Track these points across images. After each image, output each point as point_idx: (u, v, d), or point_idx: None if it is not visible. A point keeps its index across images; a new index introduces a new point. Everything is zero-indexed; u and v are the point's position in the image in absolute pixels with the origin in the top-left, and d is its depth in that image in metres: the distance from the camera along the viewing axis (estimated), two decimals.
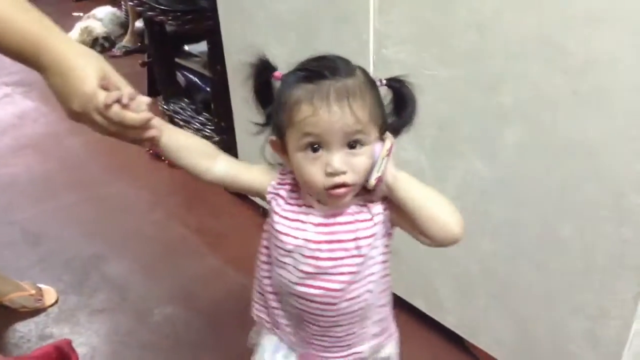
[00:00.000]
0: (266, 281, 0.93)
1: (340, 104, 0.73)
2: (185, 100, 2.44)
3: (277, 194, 0.86)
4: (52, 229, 2.13)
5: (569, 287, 1.14)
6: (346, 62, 0.78)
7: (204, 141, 0.91)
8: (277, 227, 0.85)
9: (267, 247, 0.91)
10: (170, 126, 0.88)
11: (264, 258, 0.92)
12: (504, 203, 1.19)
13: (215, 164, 0.88)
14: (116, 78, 0.80)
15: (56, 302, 1.77)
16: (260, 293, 0.97)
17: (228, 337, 1.60)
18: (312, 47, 1.43)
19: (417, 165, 1.32)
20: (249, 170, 0.90)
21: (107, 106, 0.76)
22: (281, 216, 0.85)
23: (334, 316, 0.88)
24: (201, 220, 2.15)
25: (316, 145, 0.76)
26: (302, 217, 0.84)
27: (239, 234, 2.06)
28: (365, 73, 0.80)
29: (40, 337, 1.64)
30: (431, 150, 1.29)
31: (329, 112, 0.73)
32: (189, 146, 0.88)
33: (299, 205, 0.85)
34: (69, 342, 0.91)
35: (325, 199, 0.81)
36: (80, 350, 1.59)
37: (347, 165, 0.76)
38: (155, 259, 1.96)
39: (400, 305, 1.59)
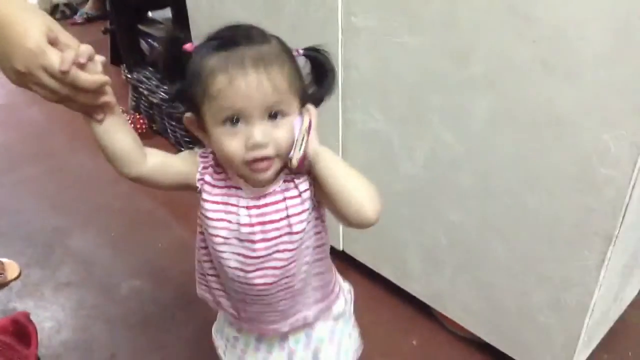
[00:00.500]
0: (206, 265, 0.91)
1: (256, 71, 0.70)
2: (150, 69, 2.38)
3: (203, 180, 0.83)
4: (13, 202, 2.08)
5: (535, 256, 1.16)
6: (261, 31, 0.75)
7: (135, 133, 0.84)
8: (209, 214, 0.82)
9: (202, 233, 0.87)
10: (116, 103, 0.79)
11: (202, 244, 0.89)
12: (472, 173, 1.20)
13: (146, 156, 0.82)
14: (64, 35, 0.70)
15: (19, 276, 1.73)
16: (201, 274, 0.95)
17: (197, 309, 1.58)
18: (279, 14, 1.40)
19: (385, 135, 1.32)
20: (174, 158, 0.85)
21: (64, 72, 0.67)
22: (212, 202, 0.82)
23: (274, 293, 0.87)
24: (167, 193, 2.11)
25: (235, 118, 0.73)
26: (232, 200, 0.82)
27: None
28: (281, 42, 0.76)
29: (3, 311, 1.60)
30: (399, 120, 1.28)
31: (246, 80, 0.70)
32: (131, 132, 0.81)
33: (228, 187, 0.82)
34: (26, 314, 0.89)
35: (248, 174, 0.77)
36: (46, 324, 1.57)
37: (269, 138, 0.73)
38: (122, 231, 1.92)
39: (369, 275, 1.60)
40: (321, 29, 1.32)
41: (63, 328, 1.57)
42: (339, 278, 1.04)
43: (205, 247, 0.88)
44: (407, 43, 1.17)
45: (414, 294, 1.51)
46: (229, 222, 0.81)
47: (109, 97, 0.74)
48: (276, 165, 0.77)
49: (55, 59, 0.66)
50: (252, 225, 0.81)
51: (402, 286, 1.53)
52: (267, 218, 0.81)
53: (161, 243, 1.86)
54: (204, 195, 0.83)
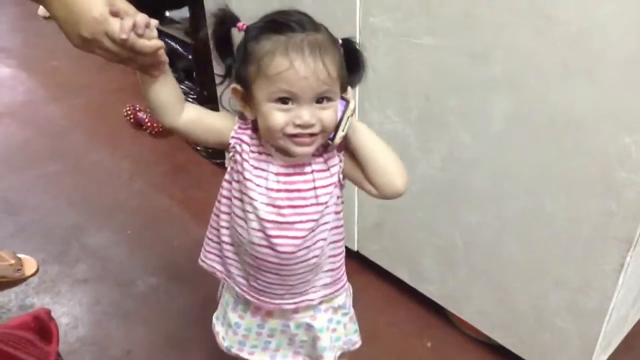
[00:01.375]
0: (224, 231, 0.95)
1: (314, 58, 0.75)
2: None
3: (240, 139, 0.88)
4: (32, 199, 2.10)
5: (552, 260, 1.15)
6: (311, 18, 0.80)
7: (179, 87, 0.91)
8: (246, 174, 0.86)
9: (227, 198, 0.92)
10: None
11: (224, 208, 0.93)
12: (489, 175, 1.19)
13: (185, 109, 0.88)
14: (124, 4, 0.78)
15: (36, 272, 1.74)
16: (216, 242, 0.98)
17: (212, 307, 1.59)
18: None
19: (402, 136, 1.31)
20: (211, 114, 0.91)
21: (122, 40, 0.74)
22: (246, 160, 0.87)
23: (290, 264, 0.91)
24: (184, 190, 2.13)
25: (288, 99, 0.77)
26: (263, 165, 0.86)
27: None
28: (328, 31, 0.81)
29: (21, 307, 1.62)
30: (417, 121, 1.28)
31: (304, 65, 0.75)
32: (176, 87, 0.87)
33: (260, 153, 0.87)
34: (47, 311, 0.90)
35: (288, 146, 0.81)
36: (62, 320, 1.58)
37: (315, 119, 0.78)
38: (138, 229, 1.94)
39: (383, 276, 1.60)
40: (339, 29, 1.29)
41: (79, 324, 1.58)
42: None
43: (228, 213, 0.93)
44: (425, 44, 1.16)
45: (428, 295, 1.50)
46: (258, 185, 0.86)
47: (163, 57, 0.81)
48: (318, 141, 0.82)
49: (116, 26, 0.74)
50: (279, 191, 0.86)
51: (416, 287, 1.53)
52: (294, 187, 0.86)
53: (177, 241, 1.87)
54: (243, 154, 0.87)
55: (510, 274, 1.25)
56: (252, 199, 0.86)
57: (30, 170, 2.26)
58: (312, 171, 0.87)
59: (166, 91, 0.85)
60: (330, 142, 0.84)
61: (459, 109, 1.17)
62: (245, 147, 0.87)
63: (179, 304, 1.63)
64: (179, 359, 1.47)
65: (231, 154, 0.89)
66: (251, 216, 0.88)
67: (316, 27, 0.79)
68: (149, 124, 2.42)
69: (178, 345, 1.50)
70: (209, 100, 2.07)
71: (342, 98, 0.82)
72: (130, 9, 0.78)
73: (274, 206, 0.86)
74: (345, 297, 1.05)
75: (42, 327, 0.84)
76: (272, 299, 0.97)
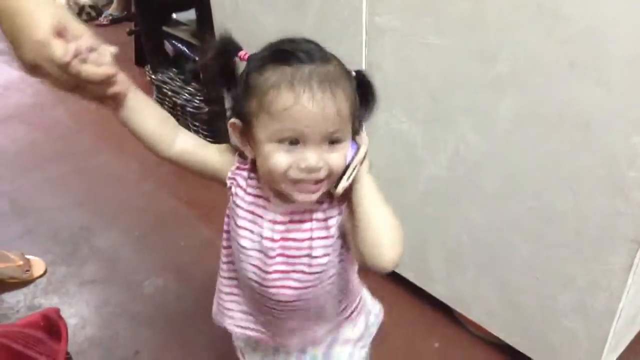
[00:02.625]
0: (225, 266, 0.90)
1: (323, 92, 0.67)
2: (174, 70, 2.40)
3: (236, 180, 0.81)
4: (40, 200, 2.11)
5: (560, 259, 1.14)
6: (321, 48, 0.72)
7: (166, 112, 0.84)
8: (238, 221, 0.81)
9: (227, 232, 0.86)
10: (136, 88, 0.78)
11: (225, 243, 0.88)
12: (496, 174, 1.19)
13: (177, 137, 0.82)
14: (75, 26, 0.70)
15: (45, 273, 1.75)
16: (217, 284, 0.95)
17: None
18: (303, 14, 1.40)
19: (409, 136, 1.31)
20: (208, 148, 0.84)
21: (66, 64, 0.67)
22: (241, 207, 0.81)
23: (288, 310, 0.85)
24: (192, 191, 2.14)
25: (294, 139, 0.69)
26: (259, 210, 0.80)
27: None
28: (340, 62, 0.72)
29: (29, 307, 1.63)
30: (424, 121, 1.27)
31: (313, 101, 0.66)
32: (156, 114, 0.81)
33: (256, 197, 0.80)
34: (57, 311, 0.90)
35: (290, 192, 0.73)
36: (70, 321, 1.59)
37: (322, 162, 0.70)
38: (146, 230, 1.94)
39: (390, 277, 1.60)
40: (345, 29, 1.32)
41: (88, 324, 1.59)
42: (368, 301, 1.02)
43: (228, 247, 0.88)
44: (431, 43, 1.16)
45: (436, 295, 1.50)
46: (251, 232, 0.80)
47: (120, 87, 0.74)
48: (323, 188, 0.73)
49: (59, 50, 0.67)
50: (273, 240, 0.79)
51: (424, 288, 1.52)
52: (290, 235, 0.79)
53: (184, 242, 1.88)
54: (236, 200, 0.81)
55: (517, 274, 1.24)
56: (242, 247, 0.81)
57: (38, 171, 2.28)
58: (312, 219, 0.79)
59: (141, 123, 0.78)
60: (333, 188, 0.74)
61: (466, 109, 1.17)
62: (239, 191, 0.80)
63: (187, 304, 1.64)
64: (187, 358, 1.47)
65: (228, 192, 0.83)
66: (243, 264, 0.83)
67: (326, 57, 0.70)
68: None
69: (186, 346, 1.51)
70: (215, 102, 2.08)
71: (354, 141, 0.74)
72: (83, 31, 0.71)
73: (268, 257, 0.80)
74: (363, 329, 0.99)
75: (51, 325, 0.85)
76: (274, 336, 0.93)
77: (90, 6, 3.87)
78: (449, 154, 1.25)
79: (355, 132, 0.74)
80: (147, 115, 0.79)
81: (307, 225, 0.79)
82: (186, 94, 2.28)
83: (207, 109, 2.13)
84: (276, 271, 0.81)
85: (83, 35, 0.70)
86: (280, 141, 0.69)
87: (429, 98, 1.23)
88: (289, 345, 0.94)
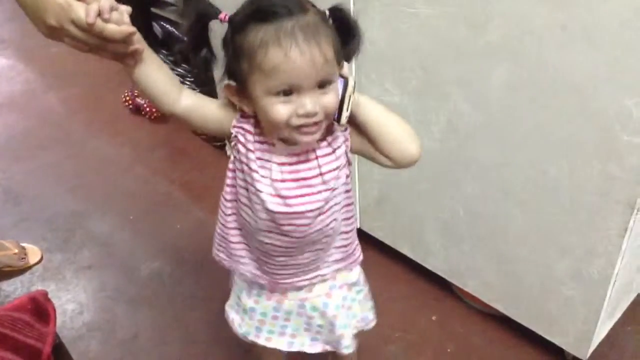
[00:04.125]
0: (229, 218, 0.93)
1: (308, 43, 0.71)
2: (163, 51, 2.37)
3: (242, 127, 0.84)
4: (34, 188, 2.10)
5: (556, 227, 1.14)
6: None
7: (171, 71, 0.87)
8: (251, 164, 0.83)
9: (232, 186, 0.90)
10: (147, 47, 0.81)
11: (228, 197, 0.91)
12: (490, 145, 1.17)
13: (182, 95, 0.85)
14: None
15: (40, 260, 1.75)
16: (220, 233, 0.97)
17: (217, 288, 1.59)
18: None
19: (401, 108, 1.29)
20: (211, 102, 0.87)
21: (90, 25, 0.71)
22: (250, 150, 0.84)
23: (301, 246, 0.90)
24: (185, 174, 2.12)
25: (288, 90, 0.74)
26: (266, 155, 0.83)
27: (223, 186, 2.04)
28: (316, 8, 0.76)
29: None
30: (415, 93, 1.26)
31: (300, 53, 0.70)
32: (166, 72, 0.84)
33: (262, 143, 0.84)
34: (44, 293, 0.90)
35: (293, 137, 0.78)
36: (68, 307, 1.59)
37: (319, 106, 0.75)
38: (141, 214, 1.94)
39: (387, 252, 1.60)
40: (332, 1, 1.29)
41: (85, 310, 1.59)
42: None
43: (233, 200, 0.91)
44: (421, 13, 1.14)
45: (432, 269, 1.50)
46: (263, 177, 0.83)
47: (138, 45, 0.77)
48: (322, 127, 0.79)
49: (81, 12, 0.71)
50: (284, 181, 0.83)
51: (420, 262, 1.52)
52: (300, 175, 0.83)
53: (179, 224, 1.87)
54: (247, 144, 0.83)
55: (514, 244, 1.24)
56: (258, 190, 0.84)
57: (30, 159, 2.26)
58: (317, 157, 0.83)
59: (152, 81, 0.82)
60: (336, 123, 0.81)
61: (458, 79, 1.16)
62: (249, 136, 0.84)
63: (183, 286, 1.64)
64: (185, 340, 1.48)
65: (233, 142, 0.86)
66: (258, 207, 0.85)
67: (303, 7, 0.74)
68: (147, 109, 2.41)
69: (184, 327, 1.51)
70: (206, 82, 2.05)
71: (340, 76, 0.79)
72: None
73: (281, 197, 0.83)
74: (359, 274, 1.04)
75: (39, 308, 0.84)
76: (285, 279, 0.95)
77: None
78: (442, 126, 1.24)
79: (339, 68, 0.78)
80: (158, 72, 0.82)
81: (313, 162, 0.83)
82: (177, 76, 2.25)
83: (198, 90, 2.10)
84: (294, 212, 0.84)
85: None
86: (276, 94, 0.74)
87: (420, 69, 1.22)
88: (298, 285, 0.97)
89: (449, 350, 1.40)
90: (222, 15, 0.76)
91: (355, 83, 0.80)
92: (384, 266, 1.61)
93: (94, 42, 0.73)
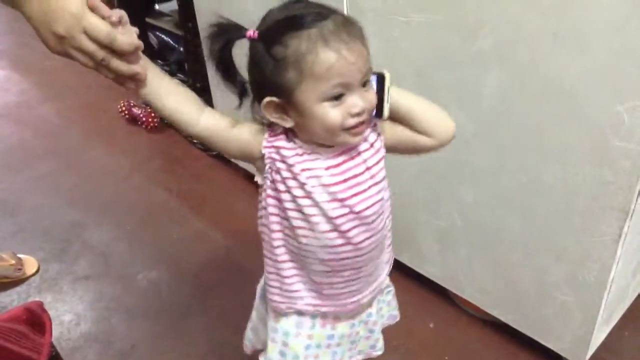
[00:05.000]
0: (278, 251, 0.89)
1: (354, 41, 0.71)
2: (159, 61, 2.38)
3: (276, 146, 0.81)
4: (31, 198, 2.10)
5: (551, 233, 1.14)
6: (317, 3, 0.75)
7: (189, 90, 0.83)
8: (302, 178, 0.80)
9: (275, 215, 0.85)
10: (156, 67, 0.80)
11: (275, 226, 0.86)
12: (485, 151, 1.18)
13: (203, 114, 0.81)
14: (101, 5, 0.73)
15: (37, 271, 1.74)
16: (272, 271, 0.92)
17: (214, 299, 1.59)
18: None
19: None
20: (235, 122, 0.83)
21: (114, 24, 0.70)
22: (295, 165, 0.81)
23: (367, 253, 0.87)
24: (182, 184, 2.12)
25: (340, 93, 0.73)
26: (310, 164, 0.81)
27: (220, 196, 2.04)
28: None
29: None
30: None
31: (350, 51, 0.70)
32: (178, 92, 0.81)
33: (300, 155, 0.81)
34: (40, 304, 0.90)
35: (345, 140, 0.77)
36: (65, 317, 1.59)
37: (366, 102, 0.75)
38: (137, 224, 1.93)
39: None
40: None
41: (82, 321, 1.58)
42: None
43: (280, 231, 0.87)
44: (413, 21, 1.15)
45: (429, 276, 1.50)
46: (314, 186, 0.81)
47: (139, 68, 0.76)
48: (368, 125, 0.80)
49: (95, 20, 0.70)
50: (337, 184, 0.81)
51: (417, 269, 1.52)
52: (349, 174, 0.82)
53: (176, 234, 1.87)
54: (288, 161, 0.81)
55: (509, 250, 1.24)
56: (316, 201, 0.81)
57: (27, 170, 2.26)
58: (359, 152, 0.83)
59: (164, 104, 0.79)
60: (378, 118, 0.82)
61: (451, 86, 1.16)
62: (287, 152, 0.81)
63: (180, 296, 1.63)
64: (182, 351, 1.47)
65: (267, 166, 0.82)
66: (317, 219, 0.82)
67: (331, 9, 0.74)
68: (144, 119, 2.41)
69: (181, 337, 1.50)
70: (202, 92, 2.06)
71: (374, 72, 0.79)
72: (107, 10, 0.73)
73: (338, 200, 0.81)
74: (386, 276, 1.02)
75: (34, 319, 0.84)
76: (349, 298, 0.92)
77: None
78: None
79: None
80: (166, 92, 0.79)
81: (358, 159, 0.82)
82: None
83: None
84: (355, 212, 0.83)
85: (108, 13, 0.73)
86: (329, 99, 0.73)
87: (413, 76, 1.22)
88: (362, 302, 0.94)
89: (446, 357, 1.40)
90: (250, 32, 0.74)
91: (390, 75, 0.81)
92: None
93: (101, 54, 0.72)
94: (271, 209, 0.85)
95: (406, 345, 1.43)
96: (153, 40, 2.42)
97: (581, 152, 1.01)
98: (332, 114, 0.73)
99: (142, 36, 2.39)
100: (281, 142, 0.81)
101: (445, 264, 1.43)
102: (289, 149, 0.81)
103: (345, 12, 1.25)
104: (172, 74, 2.28)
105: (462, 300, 1.46)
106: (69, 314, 1.60)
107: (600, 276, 1.09)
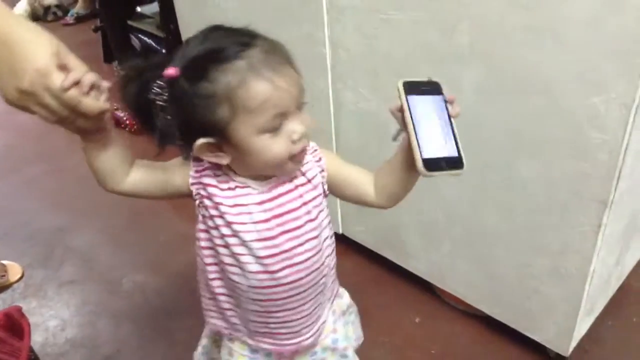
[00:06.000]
0: (216, 283, 0.85)
1: (283, 65, 0.68)
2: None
3: (201, 182, 0.77)
4: (14, 204, 2.08)
5: (532, 226, 1.15)
6: (240, 28, 0.71)
7: (128, 151, 0.80)
8: (229, 217, 0.76)
9: (209, 248, 0.82)
10: (112, 126, 0.76)
11: (209, 260, 0.83)
12: (465, 147, 1.18)
13: (130, 173, 0.79)
14: (73, 60, 0.69)
15: (22, 277, 1.73)
16: (210, 299, 0.89)
17: (199, 301, 1.58)
18: None
19: (378, 114, 1.31)
20: (158, 168, 0.80)
21: (65, 89, 0.65)
22: (222, 204, 0.76)
23: (302, 292, 0.82)
24: None
25: (280, 121, 0.69)
26: (240, 200, 0.76)
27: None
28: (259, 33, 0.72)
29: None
30: (391, 98, 1.26)
31: (282, 78, 0.67)
32: (120, 154, 0.78)
33: (232, 189, 0.76)
34: (18, 309, 0.89)
35: (291, 168, 0.75)
36: (51, 323, 1.58)
37: (305, 126, 0.71)
38: (122, 227, 1.93)
39: (369, 256, 1.60)
40: (306, 9, 1.30)
41: (68, 326, 1.57)
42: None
43: (215, 264, 0.83)
44: (392, 18, 1.15)
45: (414, 272, 1.51)
46: (243, 223, 0.76)
47: (107, 125, 0.74)
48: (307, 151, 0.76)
49: (60, 80, 0.65)
50: (267, 220, 0.77)
51: (402, 265, 1.53)
52: (284, 208, 0.77)
53: (161, 236, 1.86)
54: (214, 199, 0.76)
55: (492, 244, 1.25)
56: (243, 240, 0.76)
57: (11, 175, 2.25)
58: (296, 186, 0.78)
59: (105, 159, 0.76)
60: (423, 169, 0.68)
61: None
62: (213, 190, 0.76)
63: (166, 298, 1.63)
64: (169, 352, 1.46)
65: (197, 201, 0.79)
66: (246, 258, 0.78)
67: (253, 33, 0.69)
68: (127, 122, 2.39)
69: (167, 340, 1.50)
70: None
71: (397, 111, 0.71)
72: (80, 66, 0.69)
73: (267, 239, 0.77)
74: (347, 295, 0.99)
75: (13, 324, 0.83)
76: (290, 339, 0.87)
77: (56, 6, 3.80)
78: None
79: None
80: (114, 152, 0.77)
81: (294, 193, 0.78)
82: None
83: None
84: (283, 251, 0.78)
85: (81, 70, 0.68)
86: (267, 129, 0.69)
87: (394, 74, 1.22)
88: (303, 344, 0.89)
89: (433, 351, 1.41)
90: (170, 71, 0.67)
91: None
92: (367, 270, 1.61)
93: (64, 114, 0.68)
94: (203, 243, 0.82)
95: (392, 341, 1.43)
96: (135, 42, 2.41)
97: (559, 145, 1.02)
98: (276, 146, 0.70)
99: (125, 39, 2.37)
100: (208, 178, 0.77)
101: (430, 259, 1.43)
102: (217, 186, 0.76)
103: (324, 17, 1.27)
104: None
105: (447, 294, 1.47)
106: (54, 320, 1.59)
107: (581, 267, 1.10)
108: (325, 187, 0.81)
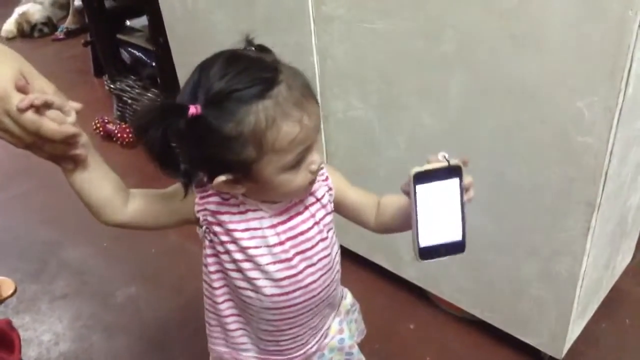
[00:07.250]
0: (223, 306, 0.84)
1: (308, 100, 0.67)
2: (132, 77, 2.37)
3: (208, 209, 0.76)
4: (6, 219, 2.07)
5: (522, 230, 1.16)
6: (258, 56, 0.68)
7: (119, 180, 0.78)
8: (243, 242, 0.75)
9: (219, 271, 0.81)
10: (95, 152, 0.74)
11: (217, 283, 0.82)
12: (453, 153, 1.18)
13: (129, 201, 0.76)
14: (41, 82, 0.66)
15: (14, 292, 1.71)
16: (215, 324, 0.88)
17: (193, 312, 1.58)
18: (251, 7, 1.39)
19: (366, 122, 1.32)
20: (160, 196, 0.78)
21: (21, 110, 0.62)
22: (234, 230, 0.75)
23: (313, 308, 0.83)
24: None
25: (304, 155, 0.69)
26: (253, 224, 0.76)
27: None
28: (277, 58, 0.69)
29: None
30: (379, 106, 1.28)
31: (308, 115, 0.66)
32: (110, 181, 0.75)
33: (243, 212, 0.75)
34: (8, 322, 0.89)
35: (299, 195, 0.76)
36: (44, 337, 1.57)
37: (321, 155, 0.74)
38: (114, 240, 1.92)
39: (363, 264, 1.61)
40: (293, 20, 1.31)
41: (61, 340, 1.56)
42: None
43: (225, 285, 0.82)
44: (378, 28, 1.17)
45: (408, 279, 1.51)
46: (257, 247, 0.76)
47: (80, 150, 0.69)
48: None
49: (16, 101, 0.62)
50: (282, 243, 0.76)
51: (396, 272, 1.53)
52: (297, 230, 0.78)
53: (154, 248, 1.86)
54: (226, 226, 0.76)
55: (483, 249, 1.25)
56: (258, 265, 0.76)
57: (1, 190, 2.23)
58: (305, 208, 0.78)
59: (94, 189, 0.73)
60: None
61: (418, 90, 1.18)
62: (223, 217, 0.75)
63: (159, 310, 1.62)
64: None
65: (204, 227, 0.77)
66: (261, 282, 0.77)
67: (274, 65, 0.66)
68: (118, 135, 2.40)
69: (161, 352, 1.50)
70: None
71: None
72: (48, 87, 0.66)
73: (283, 261, 0.77)
74: (350, 295, 1.00)
75: (2, 337, 0.83)
76: (296, 352, 0.89)
77: (43, 23, 3.80)
78: (406, 136, 1.26)
79: None
80: (102, 180, 0.74)
81: (306, 213, 0.78)
82: (146, 101, 2.25)
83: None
84: (300, 272, 0.78)
85: (48, 90, 0.66)
86: (292, 167, 0.68)
87: (381, 82, 1.24)
88: (309, 352, 0.91)
89: (428, 358, 1.41)
90: (192, 110, 0.63)
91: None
92: (361, 278, 1.61)
93: (30, 139, 0.64)
94: (212, 267, 0.81)
95: (387, 348, 1.43)
96: (125, 56, 2.41)
97: (545, 149, 1.03)
98: (298, 179, 0.70)
99: (114, 52, 2.37)
100: (214, 205, 0.75)
101: (423, 265, 1.43)
102: (226, 212, 0.75)
103: (311, 27, 1.27)
104: (146, 89, 2.28)
105: (441, 300, 1.47)
106: (47, 334, 1.58)
107: (571, 270, 1.11)
108: (332, 205, 0.82)
